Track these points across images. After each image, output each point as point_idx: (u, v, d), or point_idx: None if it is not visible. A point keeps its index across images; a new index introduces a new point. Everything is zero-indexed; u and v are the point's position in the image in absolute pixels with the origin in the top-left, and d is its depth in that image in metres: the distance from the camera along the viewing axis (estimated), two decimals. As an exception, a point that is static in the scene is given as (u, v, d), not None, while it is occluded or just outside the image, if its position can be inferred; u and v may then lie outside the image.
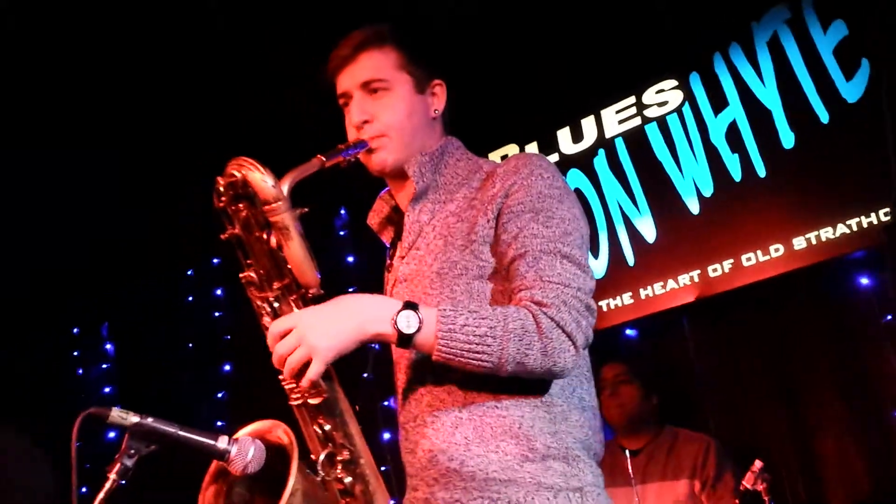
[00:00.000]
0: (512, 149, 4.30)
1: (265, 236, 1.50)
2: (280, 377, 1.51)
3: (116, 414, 1.35)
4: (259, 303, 1.55)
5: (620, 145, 3.98)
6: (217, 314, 5.26)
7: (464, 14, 3.89)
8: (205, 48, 3.98)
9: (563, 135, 4.19)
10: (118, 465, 1.34)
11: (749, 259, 3.54)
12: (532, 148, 4.26)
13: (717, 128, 3.70)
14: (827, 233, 3.36)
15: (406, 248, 1.70)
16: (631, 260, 3.88)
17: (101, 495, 1.32)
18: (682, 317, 3.79)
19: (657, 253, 3.81)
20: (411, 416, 1.61)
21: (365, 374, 3.30)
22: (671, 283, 3.75)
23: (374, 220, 1.87)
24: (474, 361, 1.44)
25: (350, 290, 4.46)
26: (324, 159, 1.57)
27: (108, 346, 5.72)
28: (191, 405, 5.03)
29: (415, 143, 1.71)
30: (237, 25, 3.90)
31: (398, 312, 1.44)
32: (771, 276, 3.48)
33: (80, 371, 5.75)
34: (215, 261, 5.27)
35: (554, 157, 4.15)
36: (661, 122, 3.86)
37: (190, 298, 5.40)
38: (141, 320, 5.51)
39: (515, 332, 1.43)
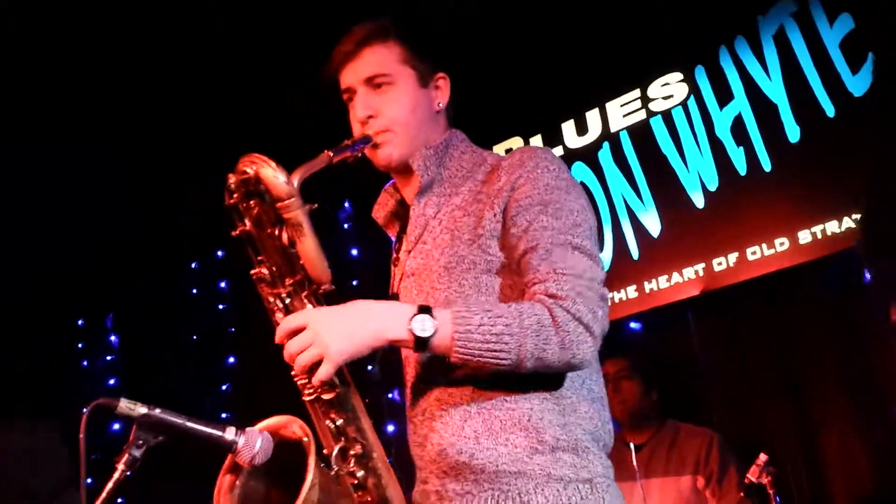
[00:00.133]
0: (516, 142, 4.30)
1: (277, 233, 1.50)
2: (292, 373, 1.51)
3: (125, 405, 1.35)
4: (271, 299, 1.55)
5: (625, 139, 3.98)
6: (221, 307, 5.28)
7: (467, 7, 3.89)
8: (205, 48, 3.99)
9: (568, 128, 4.18)
10: (126, 456, 1.35)
11: (754, 253, 3.53)
12: (536, 141, 4.25)
13: (723, 121, 3.69)
14: (832, 227, 3.35)
15: (412, 241, 1.70)
16: (635, 253, 3.88)
17: (109, 485, 1.33)
18: (686, 311, 3.78)
19: (662, 247, 3.81)
20: (420, 409, 1.61)
21: (370, 367, 3.30)
22: (676, 277, 3.74)
23: (379, 213, 1.87)
24: (493, 360, 1.44)
25: (354, 283, 4.48)
26: (331, 155, 1.57)
27: (113, 338, 5.74)
28: (195, 397, 5.05)
29: (419, 136, 1.71)
30: (237, 25, 3.91)
31: (413, 317, 1.44)
32: (776, 270, 3.47)
33: (85, 363, 5.77)
34: (219, 253, 5.28)
35: (558, 151, 4.14)
36: (666, 115, 3.85)
37: (194, 291, 5.41)
38: (145, 312, 5.53)
39: (532, 328, 1.43)
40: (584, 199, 1.62)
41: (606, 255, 3.94)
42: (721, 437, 3.40)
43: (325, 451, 1.53)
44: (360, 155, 1.65)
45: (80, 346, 5.83)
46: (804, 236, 3.41)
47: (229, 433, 1.43)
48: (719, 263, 3.62)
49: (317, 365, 1.45)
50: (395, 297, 1.71)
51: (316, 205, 1.48)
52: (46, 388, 5.53)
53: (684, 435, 3.46)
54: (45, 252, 5.03)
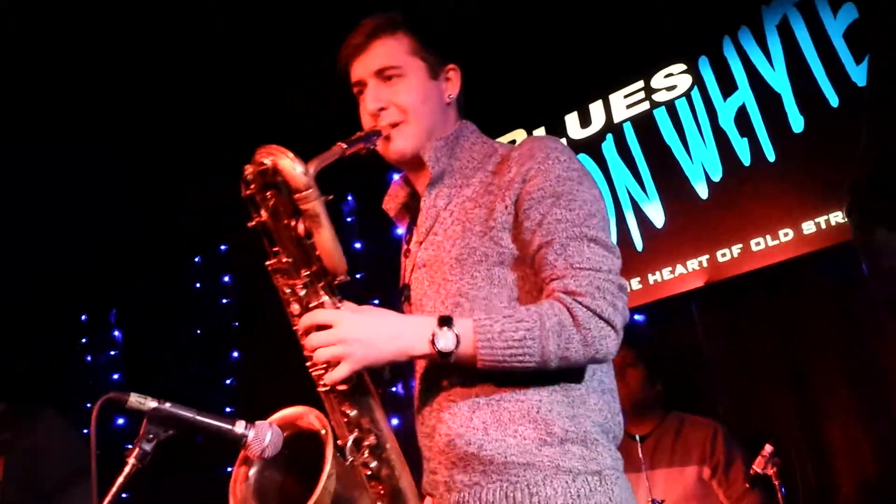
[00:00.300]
0: (519, 134, 4.29)
1: (293, 224, 1.50)
2: (308, 364, 1.53)
3: (135, 399, 1.36)
4: (286, 290, 1.56)
5: (629, 130, 3.97)
6: (225, 301, 5.28)
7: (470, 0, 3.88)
8: (205, 48, 3.99)
9: (571, 119, 4.18)
10: (137, 450, 1.35)
11: (758, 244, 3.53)
12: (540, 133, 4.25)
13: (727, 112, 3.68)
14: (836, 217, 3.34)
15: (424, 233, 1.70)
16: (639, 245, 3.87)
17: (120, 479, 1.33)
18: (690, 302, 3.78)
19: (665, 238, 3.81)
20: (429, 400, 1.62)
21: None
22: (680, 269, 3.74)
23: (389, 204, 1.87)
24: (518, 365, 1.45)
25: (358, 276, 4.47)
26: (345, 147, 1.57)
27: (116, 333, 5.74)
28: (198, 392, 5.05)
29: (430, 128, 1.71)
30: (237, 25, 3.90)
31: (434, 333, 1.46)
32: (780, 261, 3.47)
33: (89, 358, 5.78)
34: (223, 248, 5.28)
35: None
36: (670, 106, 3.84)
37: (198, 285, 5.41)
38: (149, 307, 5.53)
39: (553, 330, 1.44)
40: (596, 188, 1.62)
41: (610, 247, 3.93)
42: (725, 428, 3.40)
43: (339, 442, 1.54)
44: (372, 147, 1.66)
45: (83, 341, 5.83)
46: (808, 227, 3.41)
47: (239, 427, 1.44)
48: (723, 254, 3.62)
49: (333, 363, 1.47)
50: (407, 288, 1.71)
51: (332, 196, 1.49)
52: (50, 384, 5.54)
53: (689, 426, 3.46)
54: (46, 252, 5.04)
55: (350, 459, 1.52)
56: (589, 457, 1.50)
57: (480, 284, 1.57)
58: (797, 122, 3.49)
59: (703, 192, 3.71)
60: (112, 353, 5.73)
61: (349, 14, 1.82)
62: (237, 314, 5.21)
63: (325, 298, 1.53)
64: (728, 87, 3.68)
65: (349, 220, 4.77)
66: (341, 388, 1.52)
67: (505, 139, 4.27)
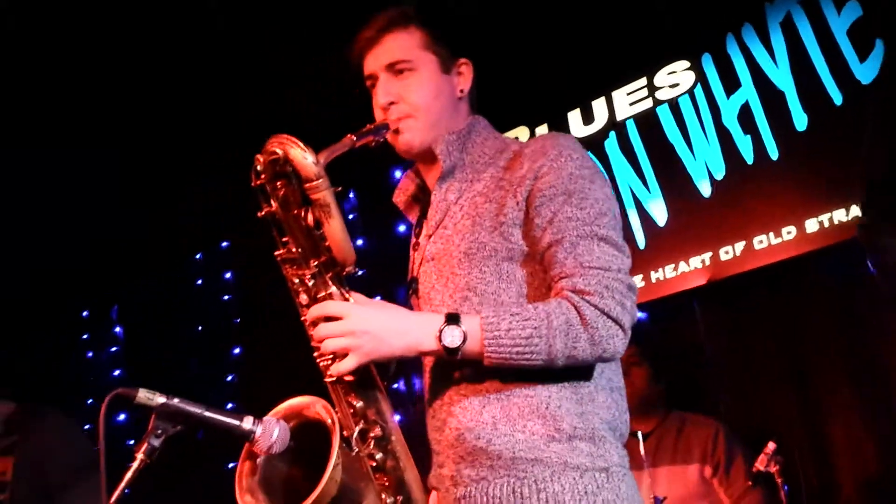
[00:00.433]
0: (522, 131, 4.29)
1: (303, 214, 1.51)
2: (315, 354, 1.53)
3: (143, 394, 1.36)
4: (295, 280, 1.56)
5: (631, 127, 3.97)
6: (226, 297, 5.28)
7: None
8: (205, 48, 3.99)
9: (574, 117, 4.17)
10: (145, 445, 1.35)
11: (761, 242, 3.52)
12: (542, 130, 4.24)
13: (730, 110, 3.68)
14: (840, 215, 3.34)
15: (433, 226, 1.70)
16: (642, 243, 3.87)
17: (128, 475, 1.33)
18: (692, 300, 3.77)
19: (668, 236, 3.80)
20: (439, 394, 1.62)
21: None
22: (682, 266, 3.74)
23: (399, 198, 1.87)
24: (525, 362, 1.46)
25: (359, 272, 4.47)
26: (354, 139, 1.58)
27: (118, 330, 5.74)
28: (200, 389, 5.05)
29: (441, 122, 1.71)
30: (237, 25, 3.90)
31: (441, 329, 1.46)
32: (783, 259, 3.47)
33: (90, 354, 5.78)
34: (224, 244, 5.27)
35: (564, 140, 4.12)
36: (673, 104, 3.84)
37: (199, 282, 5.41)
38: (150, 304, 5.53)
39: (560, 328, 1.44)
40: (608, 187, 1.62)
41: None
42: (727, 427, 3.41)
43: (345, 433, 1.54)
44: (382, 140, 1.66)
45: (84, 337, 5.84)
46: (811, 225, 3.41)
47: (247, 422, 1.44)
48: (726, 252, 3.62)
49: (341, 355, 1.48)
50: (415, 281, 1.72)
51: (341, 187, 1.49)
52: (51, 381, 5.54)
53: (690, 424, 3.46)
54: (46, 252, 5.04)
55: (356, 450, 1.53)
56: (597, 454, 1.50)
57: (489, 279, 1.58)
58: (800, 120, 3.48)
59: (705, 189, 3.71)
60: (113, 349, 5.73)
61: (349, 14, 1.82)
62: (239, 311, 5.21)
63: (334, 289, 1.53)
64: (731, 84, 3.67)
65: (351, 216, 4.77)
66: (348, 379, 1.53)
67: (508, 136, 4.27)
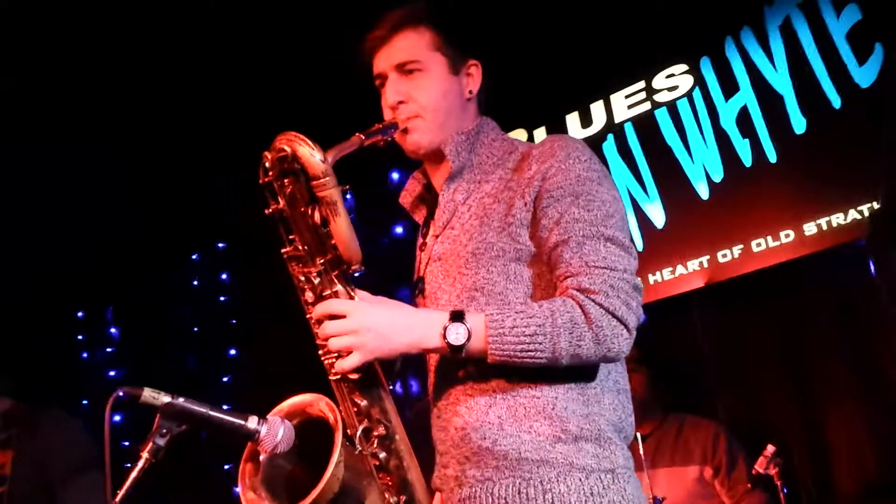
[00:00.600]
0: (520, 134, 4.29)
1: (310, 211, 1.50)
2: (320, 352, 1.53)
3: (148, 393, 1.35)
4: (301, 278, 1.56)
5: (630, 130, 3.97)
6: (222, 298, 5.27)
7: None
8: (205, 48, 3.98)
9: (572, 119, 4.18)
10: (150, 444, 1.35)
11: (759, 245, 3.53)
12: (540, 132, 4.24)
13: (728, 113, 3.69)
14: (838, 218, 3.35)
15: (440, 227, 1.70)
16: (640, 245, 3.88)
17: (134, 473, 1.32)
18: (690, 302, 3.78)
19: (666, 238, 3.81)
20: (445, 394, 1.62)
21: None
22: (680, 269, 3.75)
23: (406, 198, 1.86)
24: (528, 360, 1.45)
25: (357, 274, 4.46)
26: (363, 137, 1.57)
27: (113, 330, 5.72)
28: (196, 389, 5.03)
29: (449, 123, 1.71)
30: (237, 25, 3.90)
31: (446, 326, 1.46)
32: (781, 262, 3.48)
33: (86, 354, 5.76)
34: (220, 245, 5.26)
35: (562, 142, 4.12)
36: (671, 106, 3.85)
37: (195, 283, 5.40)
38: (146, 304, 5.52)
39: (565, 327, 1.43)
40: (615, 189, 1.62)
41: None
42: (727, 429, 3.41)
43: (348, 431, 1.54)
44: (390, 139, 1.66)
45: (80, 338, 5.81)
46: (809, 228, 3.42)
47: (252, 422, 1.44)
48: (724, 255, 3.62)
49: (346, 353, 1.47)
50: (421, 280, 1.71)
51: (349, 186, 1.49)
52: (48, 381, 5.51)
53: (689, 426, 3.47)
54: (46, 252, 5.03)
55: (359, 449, 1.52)
56: (602, 455, 1.50)
57: (496, 279, 1.57)
58: (799, 123, 3.49)
59: (703, 192, 3.72)
60: (109, 349, 5.71)
61: (349, 14, 1.81)
62: (235, 311, 5.19)
63: (339, 287, 1.53)
64: (730, 87, 3.68)
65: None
66: (352, 377, 1.52)
67: (510, 138, 4.27)
